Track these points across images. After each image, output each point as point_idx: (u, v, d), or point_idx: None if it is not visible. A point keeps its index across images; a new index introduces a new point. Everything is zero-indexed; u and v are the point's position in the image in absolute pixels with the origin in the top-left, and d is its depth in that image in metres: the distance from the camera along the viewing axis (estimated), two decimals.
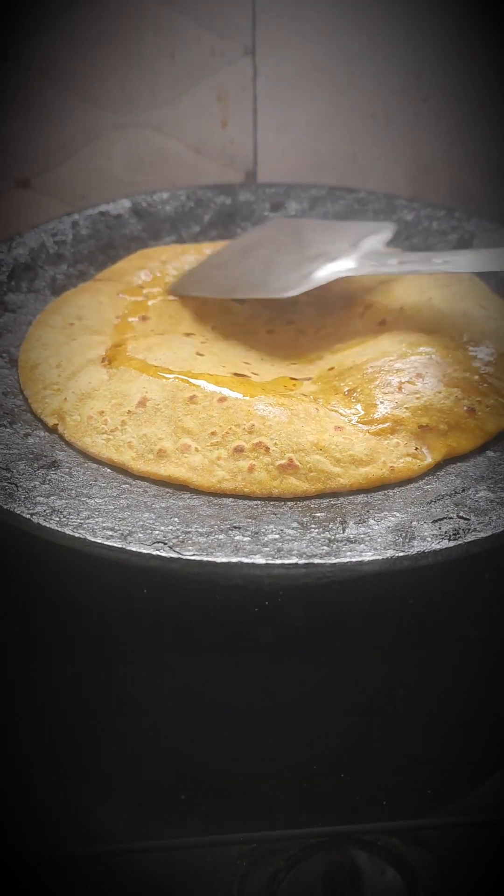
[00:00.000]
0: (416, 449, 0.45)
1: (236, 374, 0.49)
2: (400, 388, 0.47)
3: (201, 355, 0.50)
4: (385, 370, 0.48)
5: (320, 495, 0.44)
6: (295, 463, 0.44)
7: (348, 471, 0.44)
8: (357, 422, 0.46)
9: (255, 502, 0.44)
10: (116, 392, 0.47)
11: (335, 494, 0.44)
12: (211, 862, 0.39)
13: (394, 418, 0.46)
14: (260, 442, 0.45)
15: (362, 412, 0.46)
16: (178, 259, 0.60)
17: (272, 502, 0.44)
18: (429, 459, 0.46)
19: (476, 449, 0.47)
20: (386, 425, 0.46)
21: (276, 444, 0.44)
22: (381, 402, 0.46)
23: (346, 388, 0.48)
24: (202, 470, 0.44)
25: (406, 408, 0.46)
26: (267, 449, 0.44)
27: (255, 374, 0.50)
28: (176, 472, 0.44)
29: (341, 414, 0.46)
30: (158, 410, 0.46)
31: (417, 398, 0.47)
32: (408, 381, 0.47)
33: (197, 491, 0.44)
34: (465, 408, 0.47)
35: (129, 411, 0.46)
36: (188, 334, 0.54)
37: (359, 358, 0.50)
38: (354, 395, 0.47)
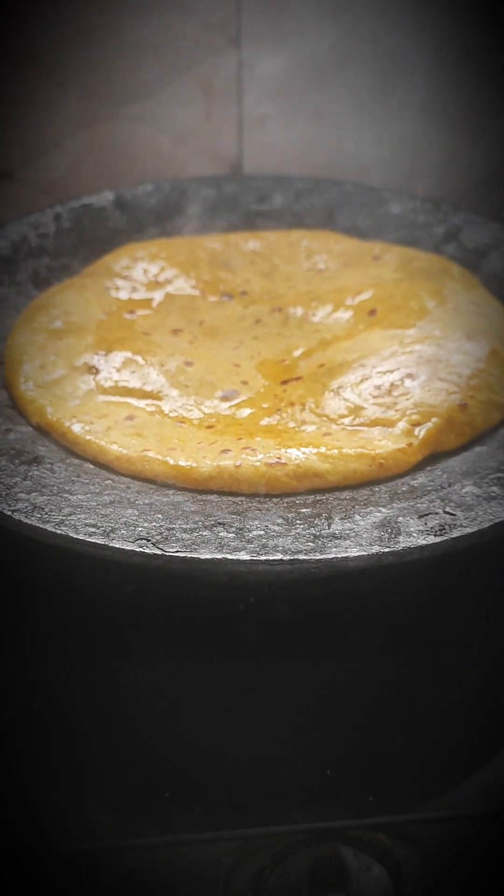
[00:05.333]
0: (409, 445, 0.45)
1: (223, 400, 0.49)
2: (390, 392, 0.47)
3: (187, 387, 0.50)
4: (376, 369, 0.48)
5: (307, 491, 0.44)
6: (283, 461, 0.44)
7: (337, 467, 0.44)
8: (345, 420, 0.46)
9: (239, 498, 0.43)
10: (103, 405, 0.48)
11: (321, 490, 0.44)
12: (196, 859, 0.39)
13: (385, 418, 0.46)
14: (248, 446, 0.45)
15: (351, 412, 0.47)
16: (164, 253, 0.60)
17: (257, 498, 0.44)
18: (417, 455, 0.46)
19: (463, 444, 0.47)
20: (376, 423, 0.46)
21: (264, 447, 0.45)
22: (372, 403, 0.47)
23: (337, 386, 0.48)
24: (188, 468, 0.44)
25: (397, 409, 0.46)
26: (254, 450, 0.44)
27: (245, 382, 0.50)
28: (161, 469, 0.44)
29: (330, 418, 0.46)
30: (146, 426, 0.46)
31: (407, 398, 0.47)
32: (399, 383, 0.47)
33: (181, 487, 0.44)
34: (458, 403, 0.47)
35: (116, 422, 0.47)
36: (176, 331, 0.53)
37: (349, 355, 0.50)
38: (344, 393, 0.47)
